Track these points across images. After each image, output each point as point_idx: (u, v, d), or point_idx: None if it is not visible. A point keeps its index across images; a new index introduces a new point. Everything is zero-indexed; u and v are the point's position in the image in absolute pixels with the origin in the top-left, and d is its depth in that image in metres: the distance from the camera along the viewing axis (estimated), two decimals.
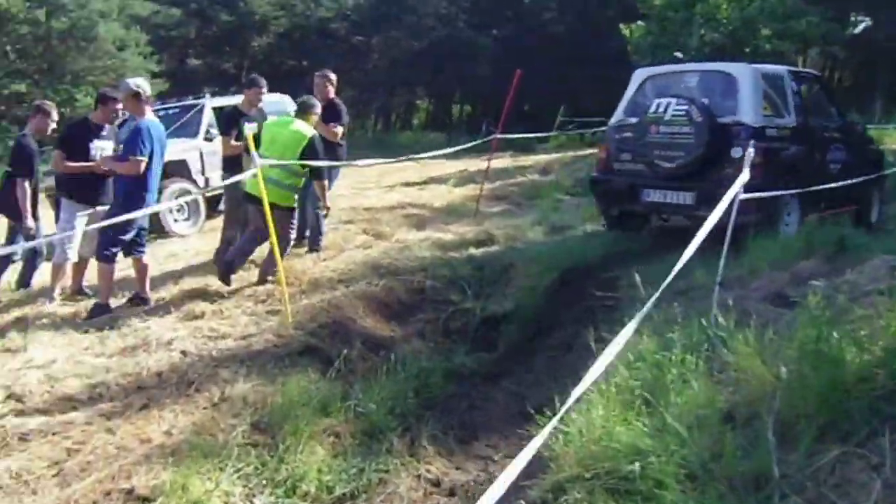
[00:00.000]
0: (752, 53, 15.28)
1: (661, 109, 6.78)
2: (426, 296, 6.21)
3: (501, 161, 16.41)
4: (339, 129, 7.06)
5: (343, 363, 4.80)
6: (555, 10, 31.79)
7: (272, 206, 5.29)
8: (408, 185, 12.93)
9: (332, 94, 7.24)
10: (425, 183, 13.12)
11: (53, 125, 6.58)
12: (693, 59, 14.04)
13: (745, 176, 4.37)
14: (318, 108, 6.40)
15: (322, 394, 4.34)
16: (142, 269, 5.92)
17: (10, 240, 6.51)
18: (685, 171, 6.65)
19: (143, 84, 5.82)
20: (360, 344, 5.23)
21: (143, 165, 5.53)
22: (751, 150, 4.49)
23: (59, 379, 4.37)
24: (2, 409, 4.08)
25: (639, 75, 7.67)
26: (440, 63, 31.78)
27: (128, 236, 5.71)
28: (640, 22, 18.96)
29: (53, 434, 3.74)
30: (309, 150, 5.94)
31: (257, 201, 5.48)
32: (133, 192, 5.60)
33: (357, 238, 7.81)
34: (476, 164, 17.88)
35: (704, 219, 3.73)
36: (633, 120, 7.20)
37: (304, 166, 5.97)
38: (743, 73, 6.86)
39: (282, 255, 5.56)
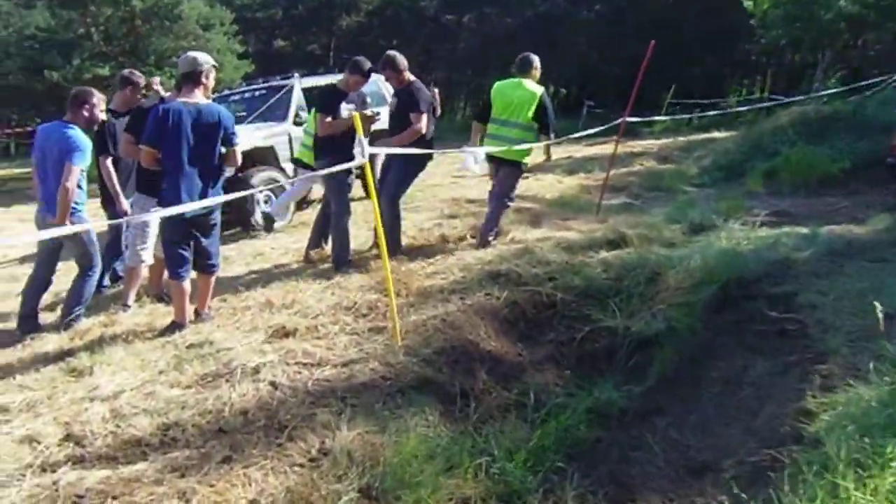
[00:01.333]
0: None
1: None
2: (557, 311, 5.27)
3: (607, 147, 15.27)
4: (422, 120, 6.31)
5: (467, 400, 3.96)
6: None
7: (512, 163, 6.60)
8: None
9: (407, 79, 6.47)
10: (529, 171, 12.17)
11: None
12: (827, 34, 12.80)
13: None
14: (538, 63, 6.69)
15: (445, 445, 3.51)
16: (209, 285, 5.23)
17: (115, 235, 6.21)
18: None
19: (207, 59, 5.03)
20: (485, 374, 4.36)
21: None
22: None
23: (127, 416, 3.67)
24: (58, 454, 3.41)
25: None
26: (536, 41, 30.52)
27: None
28: None
29: (114, 498, 3.01)
30: (541, 107, 6.53)
31: (503, 161, 6.60)
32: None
33: (467, 237, 6.95)
34: (580, 150, 16.82)
35: None
36: None
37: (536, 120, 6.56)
38: None
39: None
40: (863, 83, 14.48)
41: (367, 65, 6.26)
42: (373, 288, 5.49)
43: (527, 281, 5.53)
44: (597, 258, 6.14)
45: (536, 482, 3.58)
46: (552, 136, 6.76)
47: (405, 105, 6.41)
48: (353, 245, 6.52)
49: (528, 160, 6.84)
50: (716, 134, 17.00)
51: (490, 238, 6.66)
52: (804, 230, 6.81)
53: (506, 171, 6.73)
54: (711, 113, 17.88)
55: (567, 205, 8.77)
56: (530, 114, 6.51)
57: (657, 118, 14.55)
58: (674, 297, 5.29)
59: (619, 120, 8.28)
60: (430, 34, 33.28)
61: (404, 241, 6.83)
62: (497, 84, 6.72)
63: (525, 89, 6.56)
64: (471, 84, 37.25)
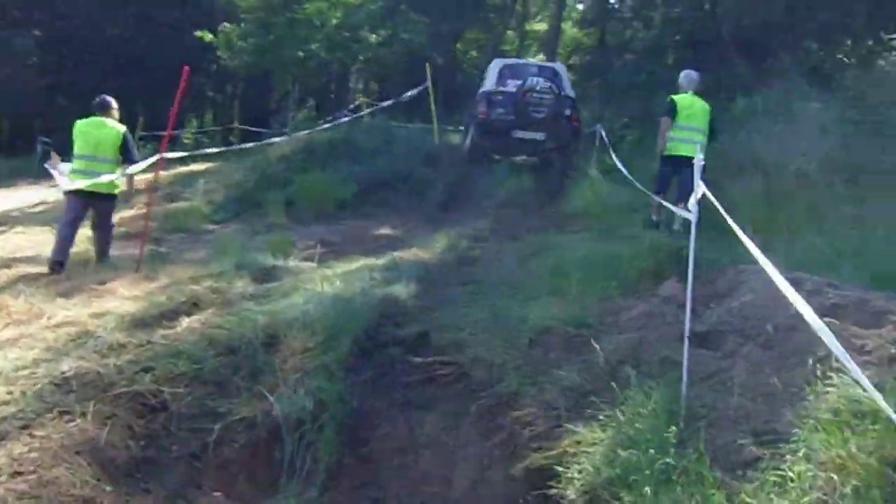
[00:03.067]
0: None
1: (533, 84, 11.63)
2: (172, 412, 3.96)
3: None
4: None
5: None
6: (106, 11, 27.69)
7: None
8: None
9: None
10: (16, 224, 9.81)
11: None
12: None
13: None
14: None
15: None
16: None
17: None
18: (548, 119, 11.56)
19: None
20: None
21: None
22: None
23: None
24: None
25: (495, 63, 13.02)
26: None
27: None
28: (226, 24, 17.25)
29: None
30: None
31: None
32: None
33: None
34: (39, 195, 14.34)
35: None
36: (511, 89, 11.88)
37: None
38: (560, 66, 13.61)
39: None
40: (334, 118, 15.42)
41: None
42: None
43: (113, 381, 4.06)
44: (183, 329, 4.92)
45: None
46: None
47: None
48: None
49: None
50: (194, 167, 16.18)
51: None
52: (378, 261, 6.61)
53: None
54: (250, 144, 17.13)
55: (88, 264, 7.08)
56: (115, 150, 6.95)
57: (206, 151, 13.15)
58: (305, 362, 4.46)
59: (157, 157, 7.00)
60: None
61: None
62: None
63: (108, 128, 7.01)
64: None
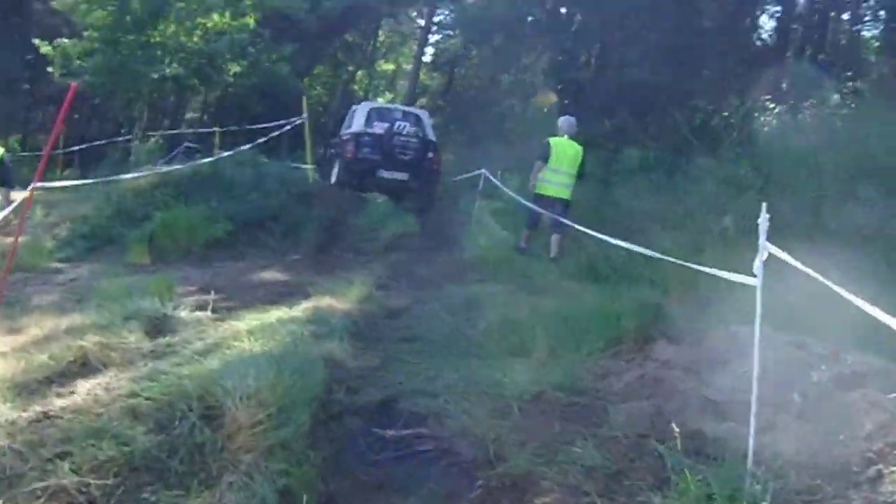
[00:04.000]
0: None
1: (398, 127, 12.88)
2: None
3: None
4: None
5: None
6: None
7: None
8: None
9: None
10: None
11: None
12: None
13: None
14: None
15: None
16: None
17: None
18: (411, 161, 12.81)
19: None
20: None
21: None
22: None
23: None
24: None
25: (364, 105, 14.03)
26: None
27: None
28: (63, 39, 15.54)
29: None
30: None
31: None
32: None
33: None
34: None
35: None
36: (378, 131, 13.02)
37: None
38: (423, 112, 14.81)
39: None
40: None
41: None
42: None
43: (20, 472, 3.13)
44: (85, 398, 4.01)
45: None
46: None
47: None
48: None
49: None
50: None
51: None
52: (293, 312, 5.89)
53: None
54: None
55: None
56: None
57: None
58: (257, 439, 3.70)
59: (30, 187, 5.89)
60: None
61: None
62: None
63: None
64: None
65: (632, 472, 3.29)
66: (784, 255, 3.06)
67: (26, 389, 4.08)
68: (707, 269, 3.49)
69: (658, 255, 4.65)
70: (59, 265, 8.75)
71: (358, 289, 6.86)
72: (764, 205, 3.05)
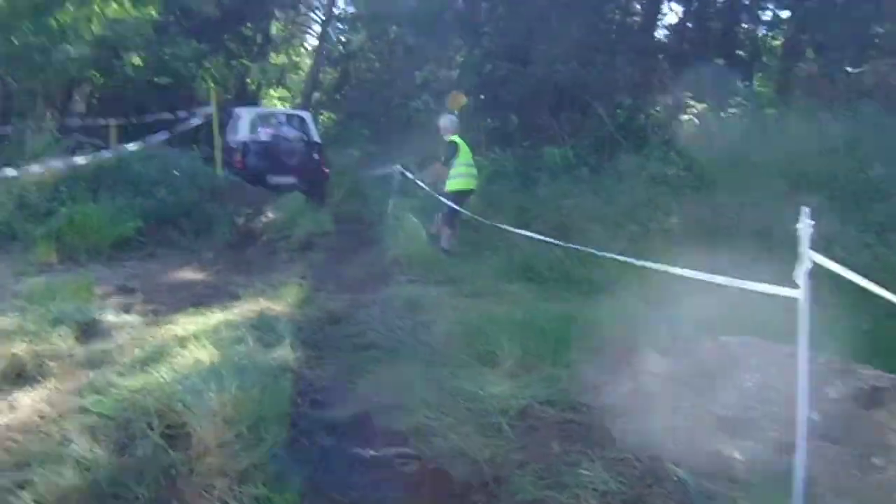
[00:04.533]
0: None
1: (283, 132, 13.43)
2: None
3: None
4: None
5: None
6: None
7: None
8: None
9: None
10: None
11: None
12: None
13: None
14: None
15: None
16: None
17: None
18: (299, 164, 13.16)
19: None
20: None
21: None
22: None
23: None
24: None
25: (247, 112, 14.33)
26: None
27: None
28: None
29: None
30: None
31: None
32: None
33: None
34: None
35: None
36: (264, 138, 13.34)
37: None
38: (306, 114, 15.31)
39: None
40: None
41: None
42: None
43: None
44: (28, 413, 3.76)
45: None
46: None
47: None
48: None
49: None
50: None
51: None
52: (231, 317, 5.67)
53: None
54: None
55: None
56: None
57: None
58: (229, 462, 3.50)
59: None
60: None
61: None
62: None
63: None
64: None
65: (650, 497, 3.17)
66: (831, 265, 2.89)
67: None
68: (746, 284, 3.24)
69: (622, 258, 4.63)
70: None
71: (294, 291, 6.69)
72: (806, 209, 2.91)
